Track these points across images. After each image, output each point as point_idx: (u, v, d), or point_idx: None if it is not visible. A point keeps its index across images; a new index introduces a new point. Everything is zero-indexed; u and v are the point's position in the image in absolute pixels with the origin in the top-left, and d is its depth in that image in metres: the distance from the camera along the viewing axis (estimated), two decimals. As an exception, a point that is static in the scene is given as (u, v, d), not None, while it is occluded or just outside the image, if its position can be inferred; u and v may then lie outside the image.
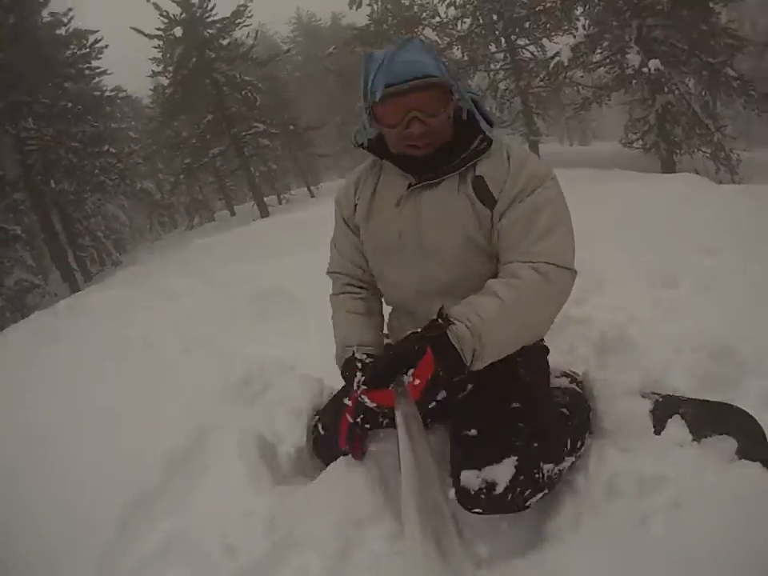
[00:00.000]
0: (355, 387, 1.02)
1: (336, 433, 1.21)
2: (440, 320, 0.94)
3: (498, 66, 15.17)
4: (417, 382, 0.85)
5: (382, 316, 1.43)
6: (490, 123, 1.24)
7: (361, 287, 1.39)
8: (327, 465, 1.32)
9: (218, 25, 16.11)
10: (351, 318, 1.33)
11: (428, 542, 0.50)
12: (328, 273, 1.46)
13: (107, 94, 16.21)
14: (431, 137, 1.17)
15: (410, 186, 1.24)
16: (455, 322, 0.93)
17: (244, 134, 16.17)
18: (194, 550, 1.21)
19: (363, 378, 0.89)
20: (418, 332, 0.92)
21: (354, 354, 1.16)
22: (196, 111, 16.50)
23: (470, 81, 15.67)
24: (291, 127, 16.96)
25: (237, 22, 16.08)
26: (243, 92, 16.03)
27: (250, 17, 16.19)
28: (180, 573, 1.17)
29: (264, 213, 16.18)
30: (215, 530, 1.22)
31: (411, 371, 0.85)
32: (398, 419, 0.78)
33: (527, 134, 15.13)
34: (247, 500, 1.28)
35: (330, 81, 22.19)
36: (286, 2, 33.84)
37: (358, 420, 1.12)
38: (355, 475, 1.22)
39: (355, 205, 1.35)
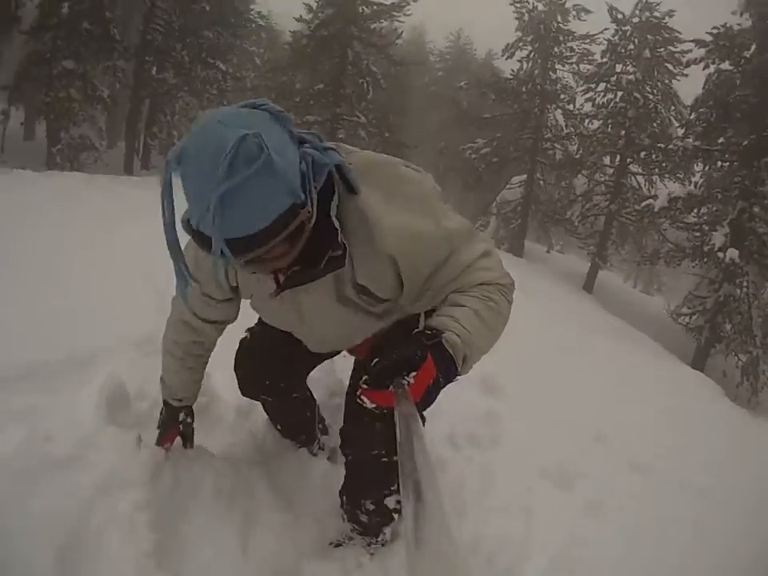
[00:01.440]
0: None
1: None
2: (429, 330, 0.96)
3: (602, 179, 14.85)
4: (417, 385, 0.87)
5: (205, 364, 1.53)
6: (352, 190, 1.04)
7: (205, 345, 1.45)
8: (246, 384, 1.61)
9: (374, 6, 16.30)
10: (180, 370, 1.46)
11: (427, 544, 0.48)
12: (177, 300, 1.39)
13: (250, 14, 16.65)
14: (286, 263, 1.01)
15: (277, 282, 1.10)
16: (445, 331, 0.95)
17: (345, 118, 16.28)
18: None
19: (366, 378, 0.89)
20: (414, 338, 0.94)
21: (178, 404, 1.50)
22: (317, 73, 16.73)
23: (569, 180, 15.45)
24: (386, 134, 17.03)
25: (392, 13, 16.23)
26: (361, 80, 16.13)
27: (408, 15, 16.36)
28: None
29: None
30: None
31: (412, 374, 0.87)
32: (398, 420, 0.78)
33: (594, 255, 14.78)
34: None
35: (450, 109, 22.31)
36: (455, 17, 34.24)
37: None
38: None
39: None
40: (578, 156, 14.75)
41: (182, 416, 1.53)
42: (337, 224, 1.00)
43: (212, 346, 1.49)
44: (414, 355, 0.89)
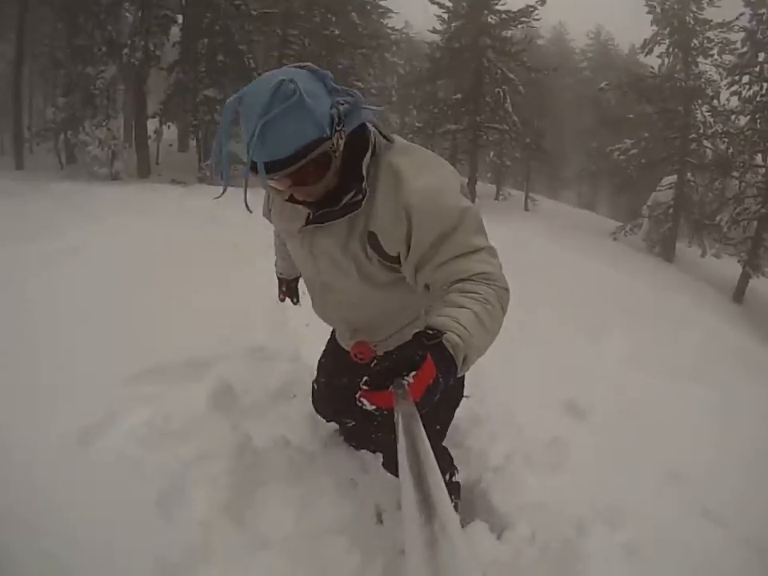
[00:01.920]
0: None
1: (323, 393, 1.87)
2: (429, 331, 0.96)
3: (754, 180, 13.35)
4: (417, 385, 0.87)
5: None
6: (387, 138, 1.22)
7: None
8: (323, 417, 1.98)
9: (503, 15, 16.32)
10: (282, 252, 1.78)
11: (428, 544, 0.48)
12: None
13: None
14: (315, 195, 1.17)
15: (307, 219, 1.27)
16: (445, 331, 0.96)
17: (487, 125, 16.46)
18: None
19: (366, 378, 0.88)
20: (414, 339, 0.94)
21: (281, 275, 1.90)
22: (455, 83, 17.13)
23: (721, 182, 14.12)
24: (527, 140, 16.91)
25: (521, 19, 16.14)
26: (497, 89, 16.18)
27: (537, 19, 16.18)
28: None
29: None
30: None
31: (412, 374, 0.87)
32: (398, 420, 0.77)
33: (745, 263, 13.34)
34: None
35: (594, 110, 21.39)
36: (591, 15, 32.59)
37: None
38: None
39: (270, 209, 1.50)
40: (728, 155, 13.41)
41: (285, 284, 1.93)
42: (364, 171, 1.15)
43: None
44: (414, 355, 0.89)
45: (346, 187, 1.17)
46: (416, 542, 0.49)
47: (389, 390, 0.87)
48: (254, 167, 1.06)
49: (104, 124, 11.51)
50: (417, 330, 0.98)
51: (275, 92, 1.01)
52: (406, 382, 0.86)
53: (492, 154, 20.67)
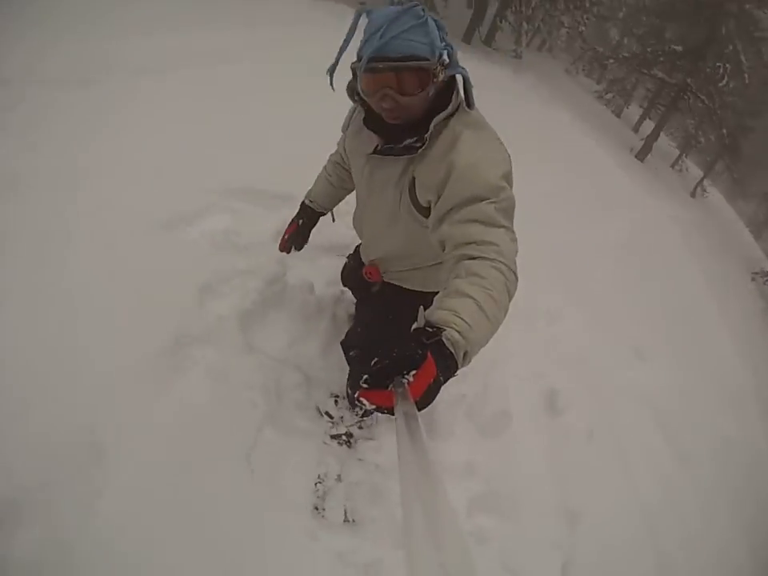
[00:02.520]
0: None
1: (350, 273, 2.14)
2: (429, 327, 0.96)
3: None
4: (417, 384, 0.86)
5: (346, 192, 1.94)
6: (469, 104, 1.35)
7: (345, 168, 1.82)
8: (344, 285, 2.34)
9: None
10: (323, 181, 1.91)
11: (428, 544, 0.48)
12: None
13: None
14: (400, 111, 1.28)
15: (375, 149, 1.43)
16: (446, 328, 0.96)
17: (692, 92, 14.59)
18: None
19: (366, 377, 0.87)
20: (413, 336, 0.94)
21: (309, 203, 1.95)
22: (683, 32, 15.03)
23: None
24: (724, 131, 14.91)
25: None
26: (719, 64, 13.95)
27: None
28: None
29: (641, 153, 14.18)
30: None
31: (412, 373, 0.86)
32: (398, 419, 0.77)
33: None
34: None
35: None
36: None
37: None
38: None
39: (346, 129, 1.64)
40: None
41: (306, 217, 1.97)
42: (432, 125, 1.28)
43: (346, 185, 1.90)
44: (414, 354, 0.88)
45: (412, 130, 1.32)
46: (416, 541, 0.49)
47: (389, 390, 0.86)
48: (355, 74, 1.26)
49: None
50: (417, 327, 0.98)
51: (406, 9, 1.18)
52: (406, 381, 0.86)
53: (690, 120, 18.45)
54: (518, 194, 1.27)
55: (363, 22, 1.25)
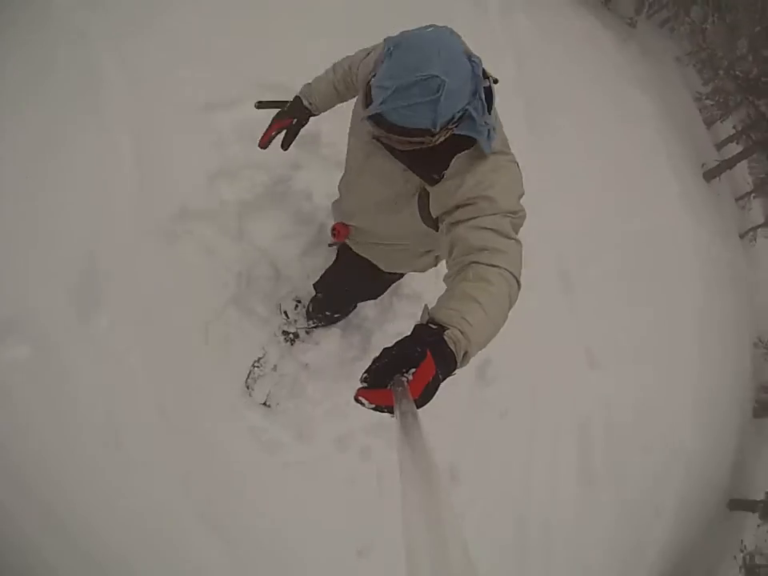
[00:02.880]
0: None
1: None
2: (431, 324, 0.97)
3: None
4: (416, 383, 0.85)
5: (344, 102, 1.76)
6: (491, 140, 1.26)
7: (351, 80, 1.67)
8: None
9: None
10: (328, 84, 1.72)
11: (429, 545, 0.47)
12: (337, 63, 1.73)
13: None
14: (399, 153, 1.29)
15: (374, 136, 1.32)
16: (448, 326, 0.96)
17: None
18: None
19: (365, 375, 0.86)
20: (414, 334, 0.94)
21: (307, 105, 1.74)
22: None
23: None
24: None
25: None
26: None
27: None
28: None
29: (710, 174, 12.75)
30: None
31: (412, 371, 0.86)
32: (397, 418, 0.76)
33: None
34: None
35: None
36: None
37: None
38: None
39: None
40: None
41: (300, 116, 1.78)
42: (451, 164, 1.25)
43: (349, 96, 1.75)
44: (413, 352, 0.87)
45: (429, 166, 1.28)
46: (416, 541, 0.49)
47: (387, 388, 0.86)
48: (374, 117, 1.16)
49: None
50: (419, 324, 0.98)
51: (421, 81, 1.07)
52: (405, 379, 0.86)
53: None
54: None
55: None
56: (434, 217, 1.33)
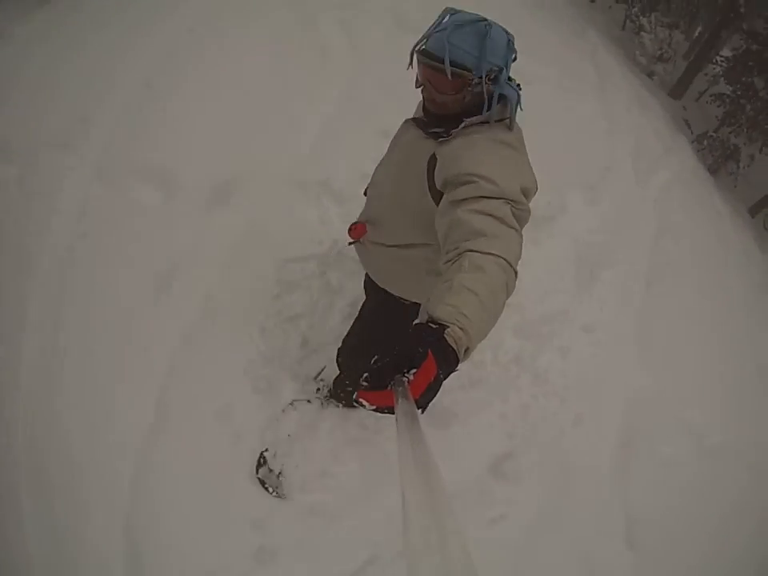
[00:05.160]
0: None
1: None
2: (431, 324, 0.95)
3: None
4: (418, 383, 0.84)
5: None
6: (511, 119, 1.42)
7: None
8: None
9: None
10: None
11: (429, 546, 0.47)
12: None
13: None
14: (435, 104, 1.43)
15: (413, 118, 1.60)
16: (448, 324, 0.94)
17: None
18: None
19: (366, 375, 0.86)
20: (414, 334, 0.92)
21: None
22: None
23: None
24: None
25: None
26: None
27: None
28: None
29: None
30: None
31: (412, 372, 0.85)
32: (398, 419, 0.75)
33: None
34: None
35: None
36: None
37: None
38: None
39: None
40: None
41: None
42: (462, 125, 1.38)
43: None
44: (414, 352, 0.86)
45: (442, 122, 1.43)
46: (417, 543, 0.49)
47: (388, 389, 0.85)
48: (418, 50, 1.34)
49: (669, 27, 10.72)
50: (418, 323, 0.96)
51: (473, 23, 1.28)
52: (406, 380, 0.84)
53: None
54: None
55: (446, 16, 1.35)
56: (438, 188, 1.35)
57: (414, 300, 1.90)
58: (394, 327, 1.91)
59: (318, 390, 2.53)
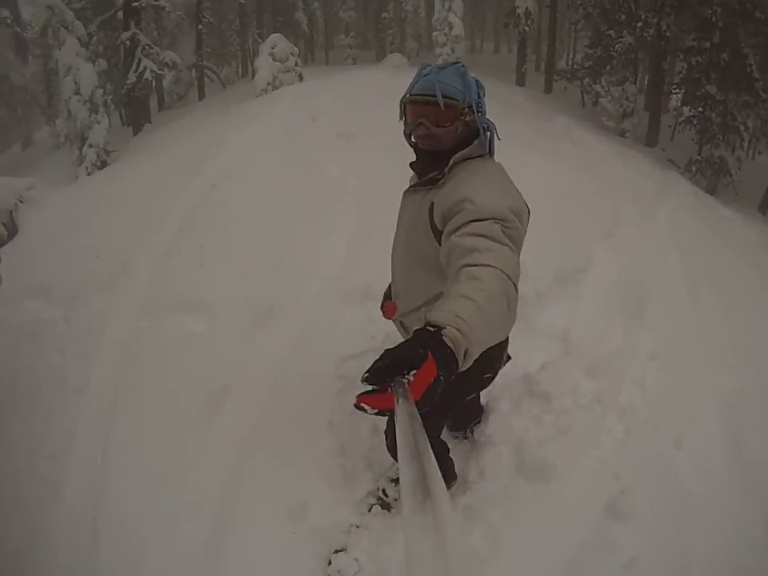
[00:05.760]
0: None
1: None
2: (429, 327, 0.95)
3: None
4: (418, 384, 0.84)
5: None
6: (491, 151, 1.63)
7: None
8: None
9: None
10: None
11: (429, 549, 0.47)
12: None
13: None
14: (432, 140, 1.56)
15: (410, 186, 1.77)
16: (446, 326, 0.95)
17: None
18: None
19: (366, 375, 0.85)
20: (414, 337, 0.93)
21: None
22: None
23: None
24: None
25: None
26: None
27: None
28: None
29: None
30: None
31: (412, 373, 0.84)
32: (399, 419, 0.74)
33: None
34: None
35: None
36: None
37: None
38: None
39: None
40: None
41: None
42: (451, 162, 1.53)
43: None
44: (414, 353, 0.87)
45: (434, 166, 1.57)
46: (417, 545, 0.48)
47: (389, 392, 0.84)
48: (404, 104, 1.58)
49: (620, 84, 11.65)
50: (417, 328, 0.97)
51: (452, 65, 1.56)
52: (406, 381, 0.85)
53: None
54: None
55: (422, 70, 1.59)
56: (440, 228, 1.45)
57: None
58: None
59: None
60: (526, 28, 14.01)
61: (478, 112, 1.55)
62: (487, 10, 27.34)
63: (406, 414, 0.74)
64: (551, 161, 6.26)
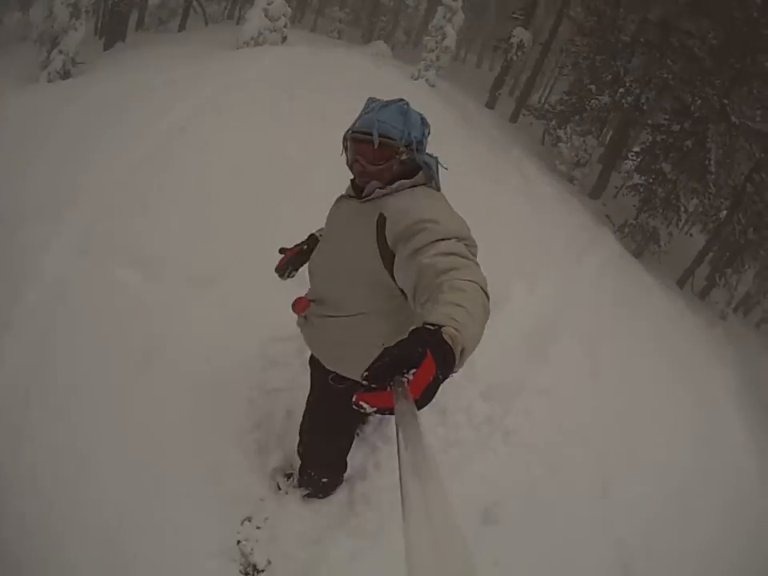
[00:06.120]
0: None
1: None
2: (427, 325, 0.95)
3: None
4: (417, 383, 0.83)
5: None
6: (435, 182, 1.64)
7: None
8: None
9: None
10: None
11: (429, 549, 0.47)
12: None
13: None
14: (367, 177, 1.58)
15: (340, 197, 1.81)
16: (443, 325, 0.96)
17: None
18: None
19: (366, 374, 0.83)
20: (413, 335, 0.92)
21: (319, 235, 2.03)
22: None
23: None
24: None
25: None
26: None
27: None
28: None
29: None
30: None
31: (412, 371, 0.84)
32: (398, 418, 0.73)
33: None
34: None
35: None
36: None
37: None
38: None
39: None
40: None
41: (310, 244, 2.05)
42: (396, 186, 1.54)
43: None
44: (414, 352, 0.87)
45: (377, 183, 1.58)
46: (417, 545, 0.48)
47: (388, 390, 0.83)
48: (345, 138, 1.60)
49: (582, 135, 11.97)
50: (415, 327, 0.97)
51: (395, 103, 1.57)
52: (405, 380, 0.84)
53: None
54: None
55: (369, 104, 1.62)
56: (390, 246, 1.45)
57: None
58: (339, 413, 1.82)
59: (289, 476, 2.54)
60: (515, 57, 14.34)
61: (418, 150, 1.57)
62: (485, 22, 27.66)
63: (405, 412, 0.75)
64: (492, 184, 6.60)
